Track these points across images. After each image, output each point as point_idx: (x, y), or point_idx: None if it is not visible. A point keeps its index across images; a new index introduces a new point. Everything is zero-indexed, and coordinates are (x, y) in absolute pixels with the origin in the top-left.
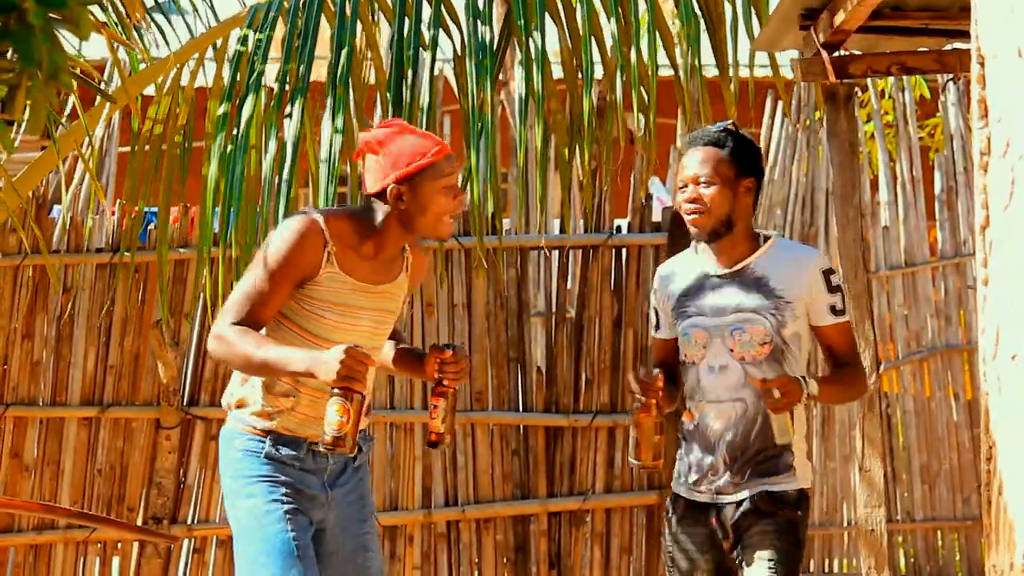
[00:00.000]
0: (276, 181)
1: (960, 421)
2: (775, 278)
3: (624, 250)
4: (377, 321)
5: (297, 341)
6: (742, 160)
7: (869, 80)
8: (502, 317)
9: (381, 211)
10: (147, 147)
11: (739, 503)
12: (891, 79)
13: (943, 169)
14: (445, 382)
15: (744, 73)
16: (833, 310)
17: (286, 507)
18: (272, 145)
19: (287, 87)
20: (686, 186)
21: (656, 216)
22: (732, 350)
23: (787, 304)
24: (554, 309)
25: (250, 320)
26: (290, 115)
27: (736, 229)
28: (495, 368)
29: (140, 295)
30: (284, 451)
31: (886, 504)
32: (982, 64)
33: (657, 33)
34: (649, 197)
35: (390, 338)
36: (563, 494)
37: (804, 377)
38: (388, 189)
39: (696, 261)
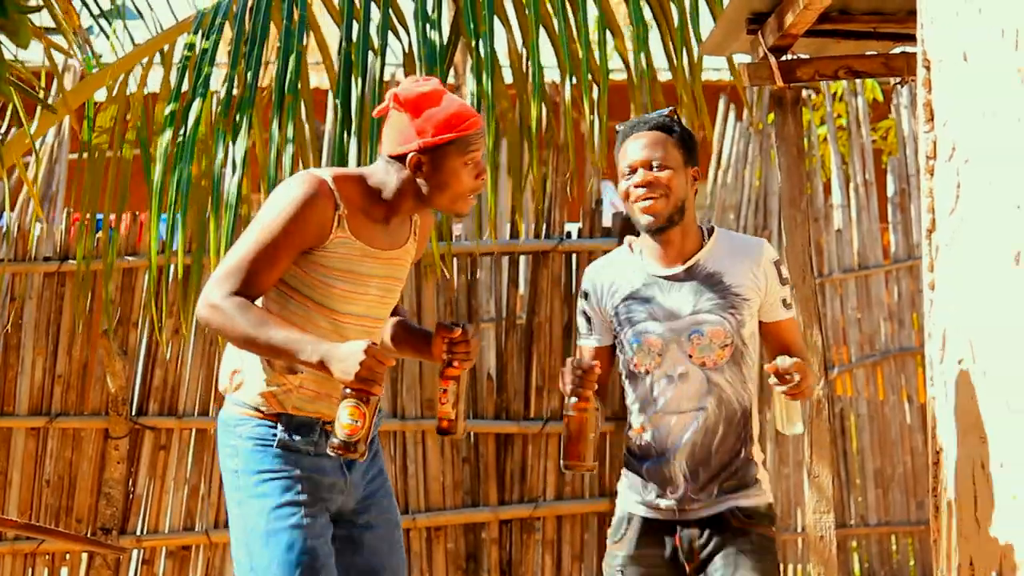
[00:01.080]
0: (225, 187)
1: (914, 425)
2: (728, 273)
3: (574, 256)
4: (385, 289)
5: (300, 312)
6: (689, 147)
7: (823, 84)
8: None
9: (396, 176)
10: (96, 155)
11: (706, 521)
12: (844, 82)
13: (896, 172)
14: (455, 363)
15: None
16: (784, 303)
17: (305, 510)
18: (220, 151)
19: (235, 92)
20: (634, 171)
21: (608, 221)
22: (691, 355)
23: (744, 301)
24: (504, 315)
25: (249, 290)
26: (238, 122)
27: (686, 220)
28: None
29: (88, 304)
30: (297, 437)
31: (840, 509)
32: (928, 68)
33: (609, 35)
34: (600, 202)
35: (396, 314)
36: (514, 501)
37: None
38: (408, 156)
39: (636, 262)
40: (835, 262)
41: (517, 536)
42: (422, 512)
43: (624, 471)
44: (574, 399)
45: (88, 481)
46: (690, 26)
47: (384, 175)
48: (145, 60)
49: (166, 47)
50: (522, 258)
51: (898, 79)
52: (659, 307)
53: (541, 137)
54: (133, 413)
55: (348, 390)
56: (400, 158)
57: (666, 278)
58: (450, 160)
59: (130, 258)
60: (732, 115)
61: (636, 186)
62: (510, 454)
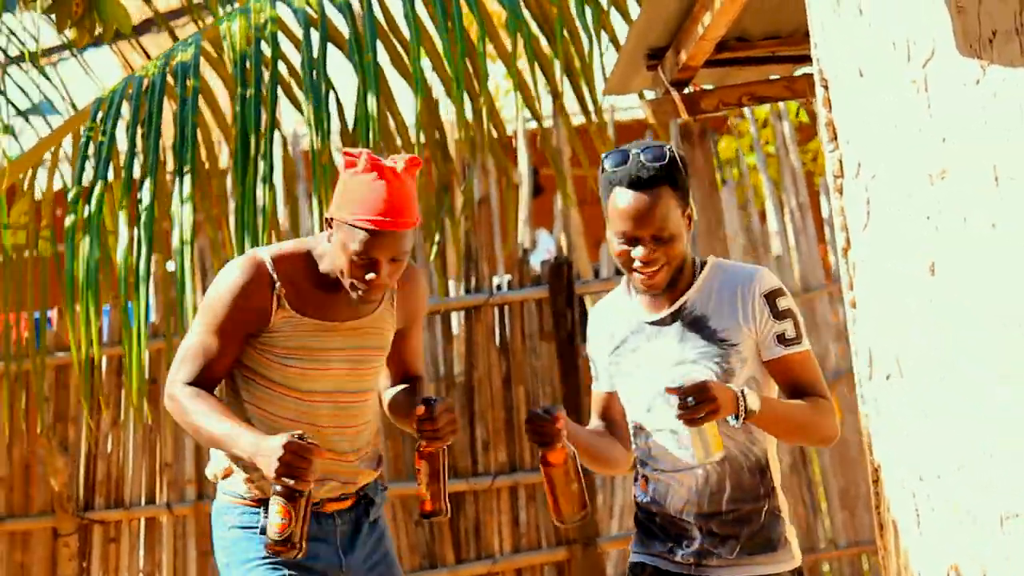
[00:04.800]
0: (133, 267)
1: None
2: (715, 316)
3: (507, 307)
4: (354, 361)
5: (266, 395)
6: (685, 188)
7: (748, 111)
8: None
9: (329, 242)
10: (14, 254)
11: None
12: (767, 108)
13: (829, 192)
14: (422, 443)
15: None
16: (782, 339)
17: None
18: (124, 231)
19: (135, 171)
20: (632, 240)
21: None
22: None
23: (732, 348)
24: (442, 374)
25: (203, 378)
26: (141, 200)
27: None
28: (390, 440)
29: (23, 403)
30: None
31: (809, 533)
32: (826, 87)
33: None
34: (526, 252)
35: (404, 379)
36: (471, 559)
37: (742, 389)
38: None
39: (629, 304)
40: None
41: None
42: None
43: (635, 525)
44: (541, 453)
45: None
46: (593, 67)
47: (325, 242)
48: (50, 153)
49: (69, 136)
50: (453, 315)
51: (802, 100)
52: (644, 357)
53: (453, 194)
54: (80, 508)
55: (276, 487)
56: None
57: (653, 323)
58: (343, 237)
59: (60, 354)
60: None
61: (642, 260)
62: (463, 512)
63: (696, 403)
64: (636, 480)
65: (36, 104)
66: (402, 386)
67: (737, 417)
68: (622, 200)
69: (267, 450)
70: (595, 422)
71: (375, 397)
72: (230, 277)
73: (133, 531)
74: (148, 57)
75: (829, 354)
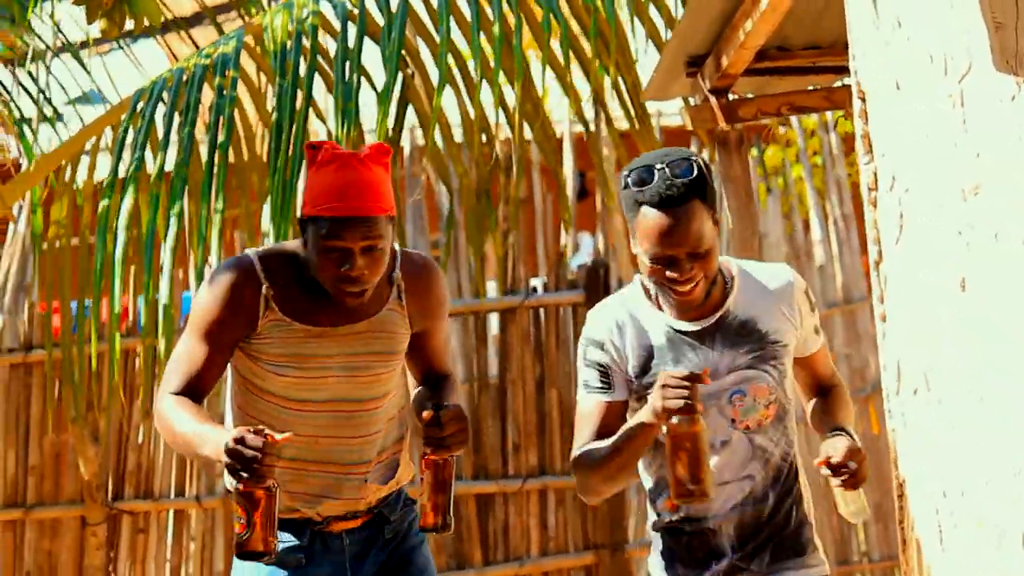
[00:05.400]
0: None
1: None
2: (762, 319)
3: (542, 310)
4: (354, 369)
5: (264, 406)
6: (715, 196)
7: (795, 120)
8: None
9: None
10: (57, 244)
11: None
12: (815, 117)
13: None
14: (427, 451)
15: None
16: (817, 331)
17: None
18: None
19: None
20: (669, 258)
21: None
22: (734, 420)
23: (784, 348)
24: (476, 375)
25: (190, 388)
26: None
27: None
28: (419, 439)
29: (57, 392)
30: (283, 539)
31: (843, 546)
32: (863, 99)
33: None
34: (563, 255)
35: (428, 383)
36: (499, 561)
37: (851, 435)
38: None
39: (654, 313)
40: (820, 298)
41: None
42: None
43: (655, 548)
44: (679, 419)
45: (68, 570)
46: (636, 71)
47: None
48: (91, 144)
49: (108, 130)
50: (490, 316)
51: (841, 112)
52: (691, 367)
53: (496, 194)
54: (109, 498)
55: (237, 487)
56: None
57: (694, 334)
58: (311, 237)
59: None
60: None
61: (680, 280)
62: (492, 514)
63: (859, 467)
64: (656, 503)
65: (86, 92)
66: (425, 387)
67: None
68: (653, 221)
69: (220, 447)
70: (594, 435)
71: (392, 404)
72: (216, 277)
73: (161, 522)
74: (198, 50)
75: (868, 366)
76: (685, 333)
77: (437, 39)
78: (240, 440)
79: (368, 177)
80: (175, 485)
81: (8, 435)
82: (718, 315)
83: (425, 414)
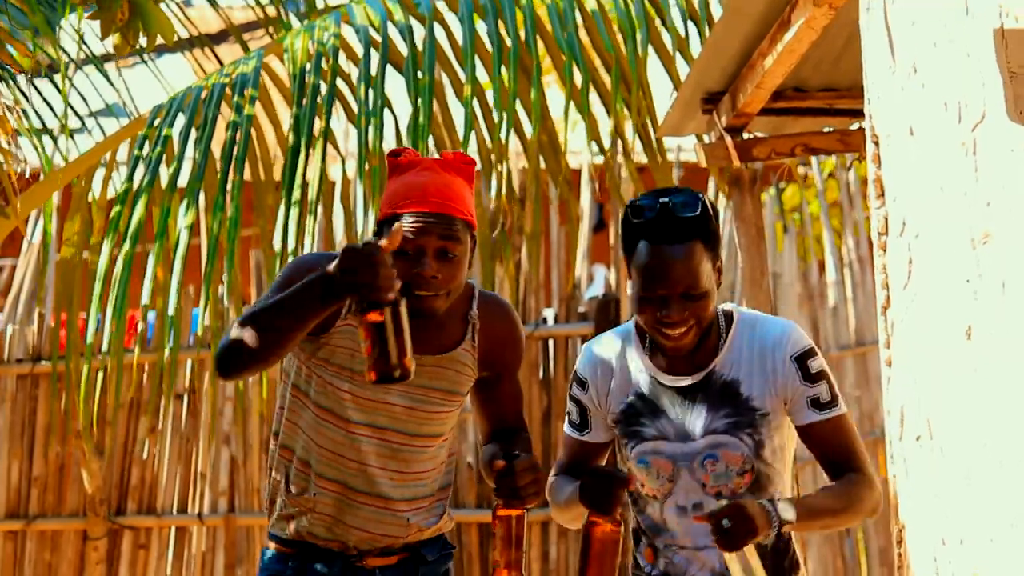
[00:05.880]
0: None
1: None
2: (746, 382)
3: (551, 341)
4: (416, 401)
5: (319, 426)
6: (716, 240)
7: (815, 161)
8: None
9: None
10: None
11: None
12: (834, 159)
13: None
14: (499, 503)
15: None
16: (816, 404)
17: None
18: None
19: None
20: (659, 299)
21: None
22: (705, 484)
23: (763, 418)
24: None
25: None
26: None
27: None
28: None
29: (63, 404)
30: (316, 569)
31: None
32: (876, 144)
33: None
34: (576, 287)
35: (499, 437)
36: None
37: (772, 500)
38: None
39: (644, 359)
40: (832, 340)
41: None
42: None
43: None
44: (592, 519)
45: None
46: (654, 105)
47: None
48: (107, 158)
49: (125, 144)
50: None
51: (856, 155)
52: (670, 424)
53: (510, 224)
54: (112, 513)
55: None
56: None
57: (677, 389)
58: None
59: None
60: (723, 196)
61: (671, 321)
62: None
63: (733, 527)
64: (638, 548)
65: (110, 105)
66: (496, 441)
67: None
68: (650, 255)
69: (331, 266)
70: (563, 468)
71: (442, 448)
72: (302, 261)
73: (163, 539)
74: (222, 66)
75: (879, 409)
76: (668, 387)
77: (461, 76)
78: (348, 251)
79: (446, 180)
80: (178, 502)
81: (13, 445)
82: (704, 372)
83: (498, 463)
